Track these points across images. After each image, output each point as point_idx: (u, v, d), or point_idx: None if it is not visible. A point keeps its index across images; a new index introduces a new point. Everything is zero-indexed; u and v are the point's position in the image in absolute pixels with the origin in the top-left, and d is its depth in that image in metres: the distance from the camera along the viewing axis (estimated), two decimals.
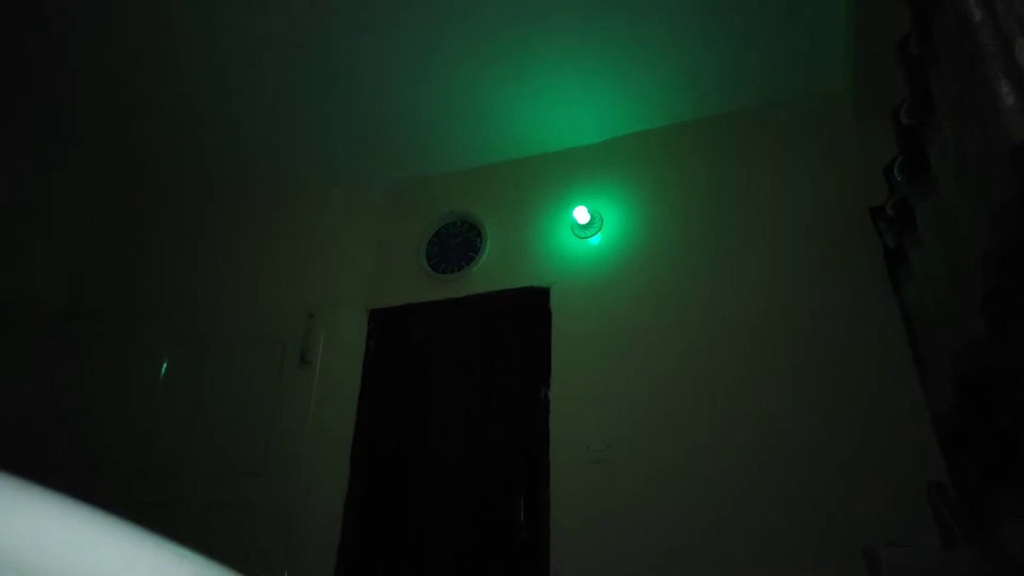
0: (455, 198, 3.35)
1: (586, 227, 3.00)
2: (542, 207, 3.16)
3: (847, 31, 2.44)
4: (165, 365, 3.18)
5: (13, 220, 3.15)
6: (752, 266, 2.64)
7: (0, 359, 3.06)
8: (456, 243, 3.23)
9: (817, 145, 2.76)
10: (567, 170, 3.21)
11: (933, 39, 1.53)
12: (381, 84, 2.90)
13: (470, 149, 3.30)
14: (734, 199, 2.80)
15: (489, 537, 2.61)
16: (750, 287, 2.60)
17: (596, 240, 2.98)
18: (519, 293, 2.99)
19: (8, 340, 3.09)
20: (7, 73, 2.91)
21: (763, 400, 2.39)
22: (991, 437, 1.57)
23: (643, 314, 2.72)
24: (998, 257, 1.33)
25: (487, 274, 3.10)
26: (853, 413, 2.25)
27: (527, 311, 2.95)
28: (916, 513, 1.93)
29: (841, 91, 2.77)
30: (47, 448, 3.02)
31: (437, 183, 3.45)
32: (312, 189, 3.56)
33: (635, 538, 2.35)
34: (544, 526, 2.47)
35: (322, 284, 3.32)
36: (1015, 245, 1.27)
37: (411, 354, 3.11)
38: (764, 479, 2.27)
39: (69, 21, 2.64)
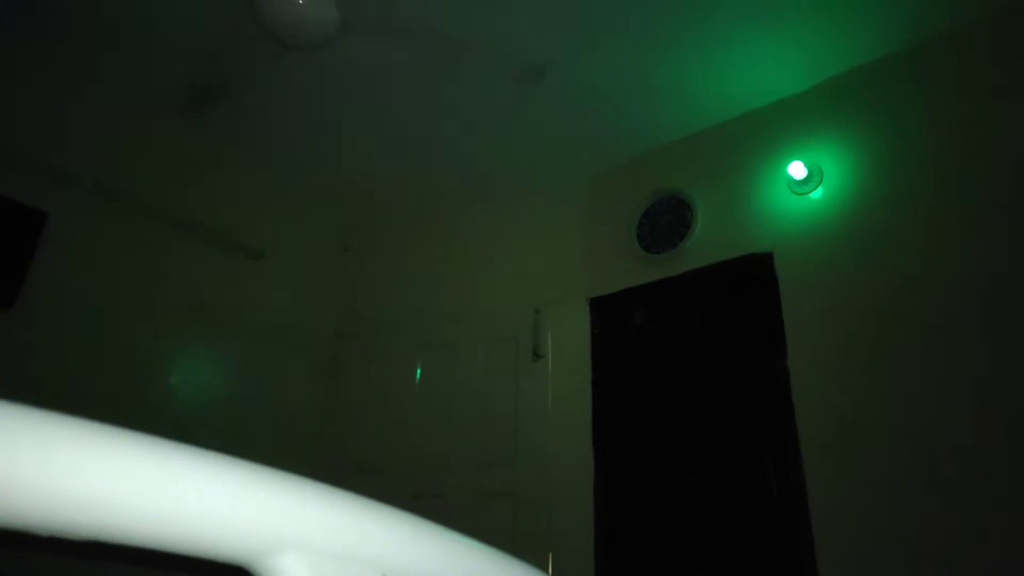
0: (659, 175, 3.33)
1: (804, 183, 2.82)
2: (753, 169, 3.03)
3: None
4: (419, 370, 3.55)
5: (282, 263, 3.71)
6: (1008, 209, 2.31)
7: (292, 373, 3.62)
8: (666, 221, 3.21)
9: None
10: (775, 125, 3.04)
11: None
12: (575, 73, 2.96)
13: (668, 123, 3.25)
14: (978, 132, 2.46)
15: (741, 515, 2.58)
16: (1006, 233, 2.28)
17: (817, 194, 2.80)
18: (739, 262, 2.90)
19: (297, 358, 3.65)
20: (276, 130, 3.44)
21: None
22: None
23: (883, 269, 2.50)
24: None
25: (702, 248, 3.04)
26: None
27: (750, 280, 2.85)
28: None
29: None
30: (332, 449, 3.52)
31: (639, 164, 3.45)
32: (524, 189, 3.74)
33: (912, 511, 2.19)
34: (801, 501, 2.39)
35: (543, 279, 3.49)
36: None
37: (636, 337, 3.16)
38: None
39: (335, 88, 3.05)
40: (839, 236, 2.66)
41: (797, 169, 2.82)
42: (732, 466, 2.67)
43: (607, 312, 3.26)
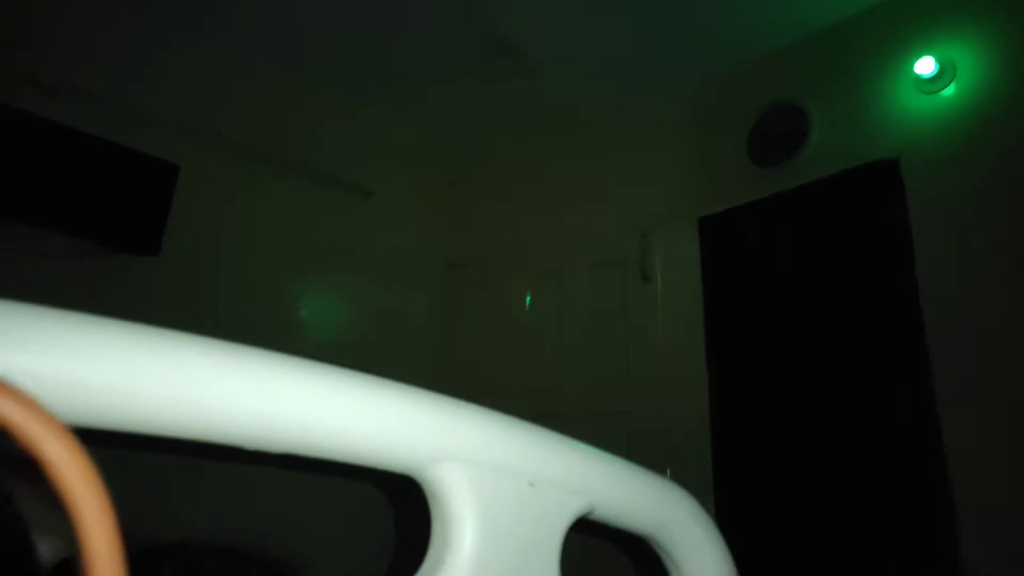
0: (769, 83, 3.14)
1: (934, 80, 2.58)
2: (874, 69, 2.80)
3: None
4: (528, 297, 3.63)
5: (393, 200, 3.83)
6: None
7: (409, 305, 3.80)
8: (778, 132, 3.04)
9: None
10: (898, 18, 2.77)
11: None
12: None
13: (777, 26, 3.03)
14: None
15: (864, 431, 2.52)
16: None
17: (950, 91, 2.56)
18: (862, 171, 2.72)
19: (413, 289, 3.82)
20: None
21: None
22: None
23: None
24: None
25: (820, 158, 2.88)
26: None
27: (875, 189, 2.69)
28: None
29: None
30: (449, 375, 3.69)
31: (747, 72, 3.26)
32: (626, 107, 3.62)
33: None
34: (931, 418, 2.30)
35: (650, 200, 3.42)
36: None
37: (749, 256, 3.07)
38: None
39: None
40: (975, 136, 2.44)
41: (926, 65, 2.59)
42: (857, 385, 2.59)
43: (718, 231, 3.17)
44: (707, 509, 0.64)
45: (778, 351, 2.87)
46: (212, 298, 3.04)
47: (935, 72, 2.57)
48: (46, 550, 0.36)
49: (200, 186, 3.04)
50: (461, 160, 4.20)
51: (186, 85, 3.14)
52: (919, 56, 2.61)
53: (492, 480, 0.44)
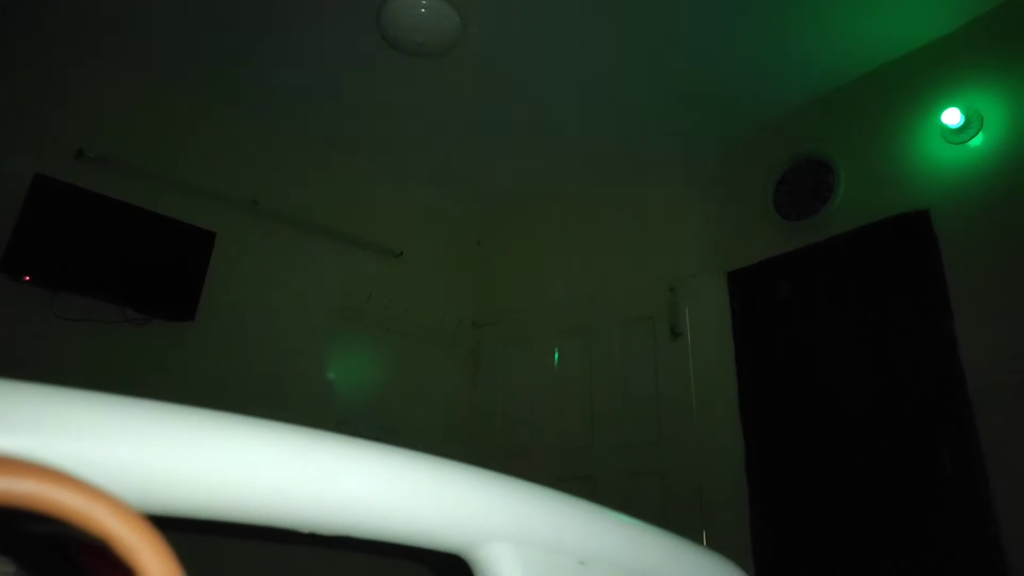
0: (794, 138, 3.17)
1: (961, 130, 2.59)
2: (900, 122, 2.81)
3: None
4: (557, 355, 3.61)
5: (420, 260, 3.88)
6: None
7: (437, 363, 3.80)
8: (804, 185, 3.05)
9: None
10: (922, 72, 2.79)
11: None
12: (700, 39, 2.86)
13: (800, 82, 3.06)
14: None
15: (909, 489, 2.43)
16: None
17: (977, 142, 2.56)
18: (892, 222, 2.70)
19: (441, 348, 3.81)
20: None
21: None
22: None
23: None
24: None
25: (848, 210, 2.87)
26: None
27: (906, 241, 2.66)
28: None
29: None
30: (477, 434, 3.65)
31: (772, 128, 3.29)
32: (651, 164, 3.66)
33: None
34: (979, 474, 2.21)
35: (677, 256, 3.42)
36: None
37: (779, 310, 3.04)
38: None
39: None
40: (1006, 185, 2.42)
41: (952, 116, 2.59)
42: (898, 443, 2.51)
43: (747, 285, 3.16)
44: (746, 568, 0.62)
45: (813, 404, 2.80)
46: (245, 359, 3.07)
47: (961, 123, 2.58)
48: None
49: (234, 251, 3.12)
50: (488, 219, 4.26)
51: (224, 155, 3.26)
52: (944, 107, 2.62)
53: (542, 559, 0.43)
